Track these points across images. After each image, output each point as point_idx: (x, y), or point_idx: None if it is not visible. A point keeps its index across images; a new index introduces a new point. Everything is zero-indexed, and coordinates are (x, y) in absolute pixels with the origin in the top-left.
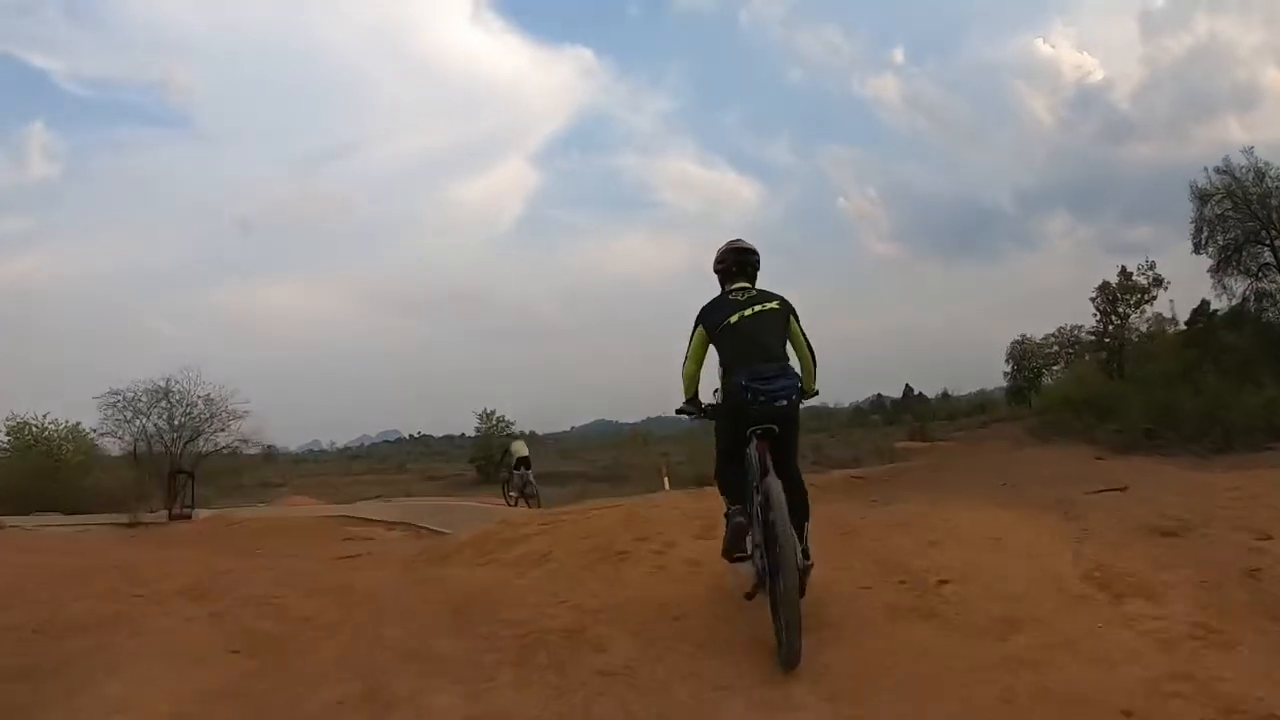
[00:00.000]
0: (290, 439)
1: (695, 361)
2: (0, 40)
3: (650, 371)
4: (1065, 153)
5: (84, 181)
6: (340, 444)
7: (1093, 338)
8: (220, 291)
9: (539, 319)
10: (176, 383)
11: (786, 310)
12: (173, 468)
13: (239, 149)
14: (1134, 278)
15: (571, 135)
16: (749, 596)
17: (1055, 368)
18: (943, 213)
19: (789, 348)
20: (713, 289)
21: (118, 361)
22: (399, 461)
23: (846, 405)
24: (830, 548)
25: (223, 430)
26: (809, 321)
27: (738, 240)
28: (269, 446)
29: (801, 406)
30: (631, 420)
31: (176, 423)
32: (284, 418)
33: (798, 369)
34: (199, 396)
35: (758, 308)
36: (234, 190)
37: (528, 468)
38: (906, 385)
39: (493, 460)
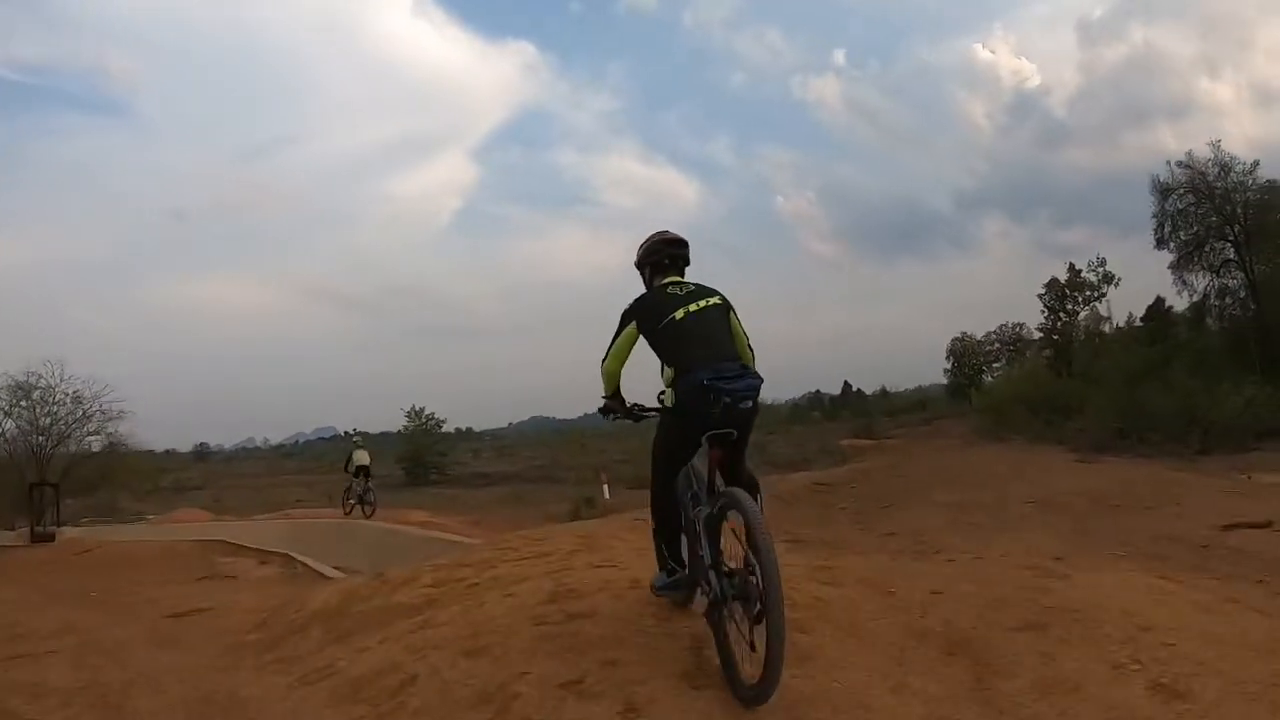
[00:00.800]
0: (225, 437)
1: (619, 360)
2: None
3: (588, 368)
4: (1002, 157)
5: (15, 169)
6: (275, 441)
7: (1041, 334)
8: (152, 285)
9: (477, 316)
10: (40, 378)
11: (728, 305)
12: (35, 479)
13: (176, 139)
14: (1083, 274)
15: (512, 131)
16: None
17: (996, 365)
18: (882, 214)
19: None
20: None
21: (38, 354)
22: (332, 460)
23: (784, 402)
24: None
25: (95, 434)
26: (747, 319)
27: (667, 231)
28: (201, 444)
29: None
30: (569, 417)
31: (41, 424)
32: (217, 414)
33: None
34: (65, 394)
35: (703, 303)
36: (170, 181)
37: (368, 476)
38: (845, 382)
39: (421, 461)
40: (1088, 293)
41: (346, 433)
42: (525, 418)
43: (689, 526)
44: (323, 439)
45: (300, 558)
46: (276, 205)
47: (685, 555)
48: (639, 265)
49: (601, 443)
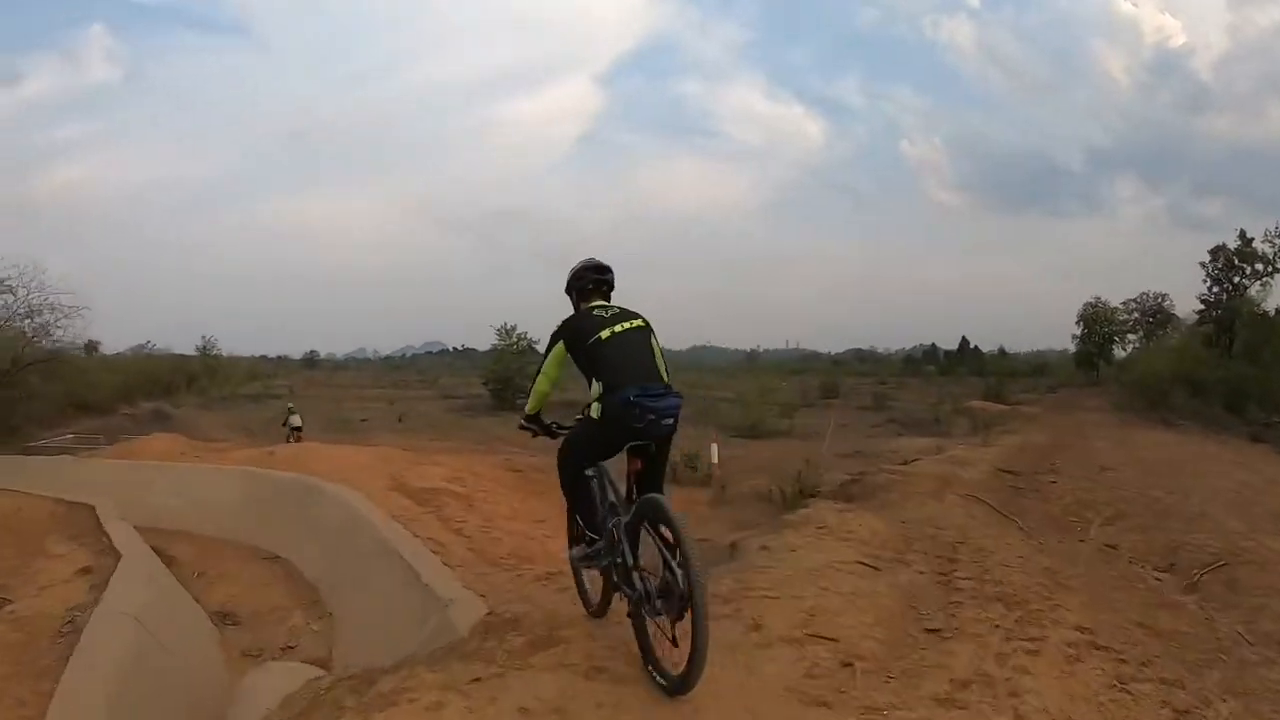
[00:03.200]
0: (337, 346)
1: (549, 379)
2: None
3: (699, 302)
4: (1139, 116)
5: (139, 89)
6: (384, 352)
7: (1204, 307)
8: (272, 201)
9: (590, 242)
10: None
11: (649, 328)
12: None
13: (295, 60)
14: (1255, 244)
15: (637, 58)
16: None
17: (1131, 337)
18: (1009, 166)
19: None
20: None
21: (164, 268)
22: (436, 374)
23: (895, 351)
24: None
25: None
26: (864, 264)
27: (593, 259)
28: (311, 352)
29: None
30: (678, 348)
31: None
32: (330, 324)
33: None
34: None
35: (626, 324)
36: (288, 102)
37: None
38: (963, 338)
39: (509, 384)
40: (1258, 265)
41: (454, 348)
42: None
43: (606, 534)
44: (430, 353)
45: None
46: (392, 126)
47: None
48: (567, 290)
49: (709, 379)
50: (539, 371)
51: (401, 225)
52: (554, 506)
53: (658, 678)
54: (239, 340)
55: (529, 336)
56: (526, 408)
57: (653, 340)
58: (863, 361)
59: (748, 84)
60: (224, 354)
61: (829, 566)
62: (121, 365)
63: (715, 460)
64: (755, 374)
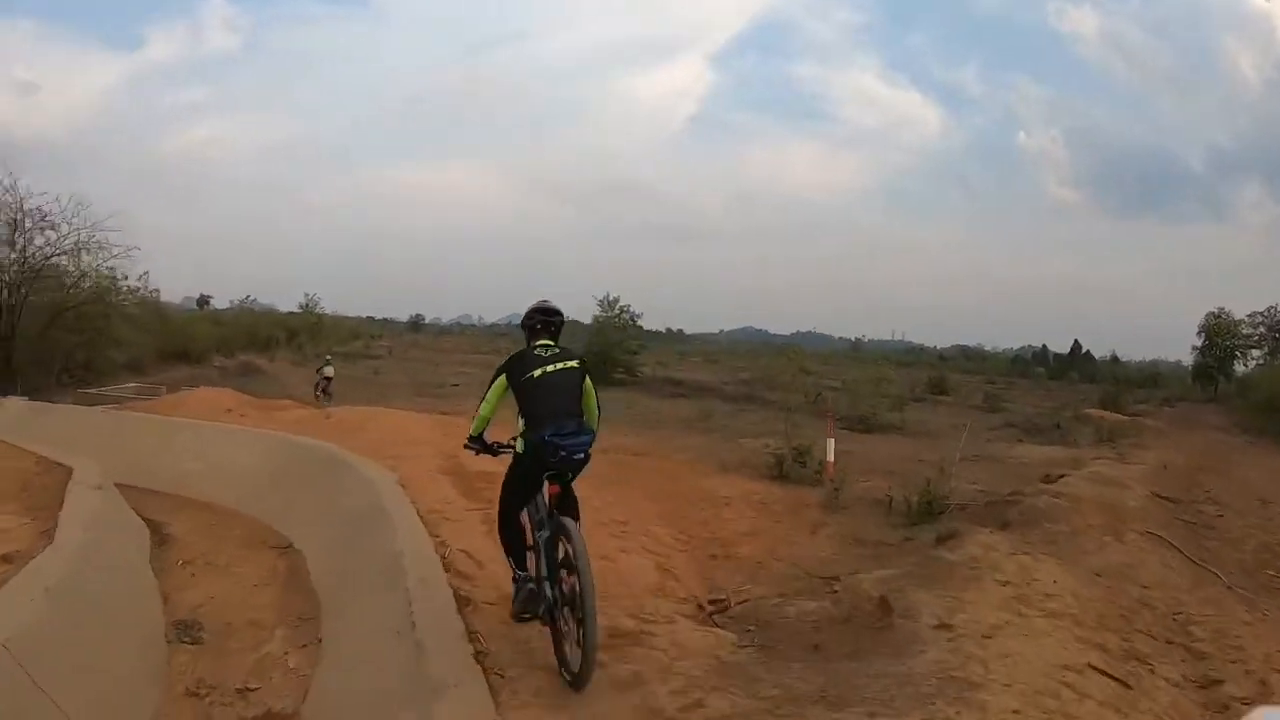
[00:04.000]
0: (443, 311)
1: (491, 406)
2: None
3: (807, 287)
4: (1268, 118)
5: (261, 55)
6: (489, 320)
7: None
8: (384, 167)
9: (701, 221)
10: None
11: (584, 369)
12: None
13: (410, 30)
14: None
15: (752, 38)
16: (524, 616)
17: (1255, 353)
18: (1128, 164)
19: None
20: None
21: (276, 227)
22: None
23: (1003, 350)
24: None
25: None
26: (974, 258)
27: (545, 301)
28: (416, 315)
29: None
30: (782, 332)
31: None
32: (437, 289)
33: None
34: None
35: (560, 365)
36: (405, 70)
37: (327, 379)
38: (1076, 341)
39: (607, 357)
40: None
41: None
42: (737, 326)
43: (535, 545)
44: None
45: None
46: (506, 98)
47: (529, 566)
48: (522, 326)
49: (816, 364)
50: (484, 399)
51: (513, 195)
52: (642, 501)
53: (564, 674)
54: (347, 301)
55: (632, 309)
56: (471, 430)
57: (584, 381)
58: (969, 359)
59: (863, 68)
60: (327, 313)
61: (1060, 683)
62: (224, 319)
63: (830, 458)
64: (860, 363)
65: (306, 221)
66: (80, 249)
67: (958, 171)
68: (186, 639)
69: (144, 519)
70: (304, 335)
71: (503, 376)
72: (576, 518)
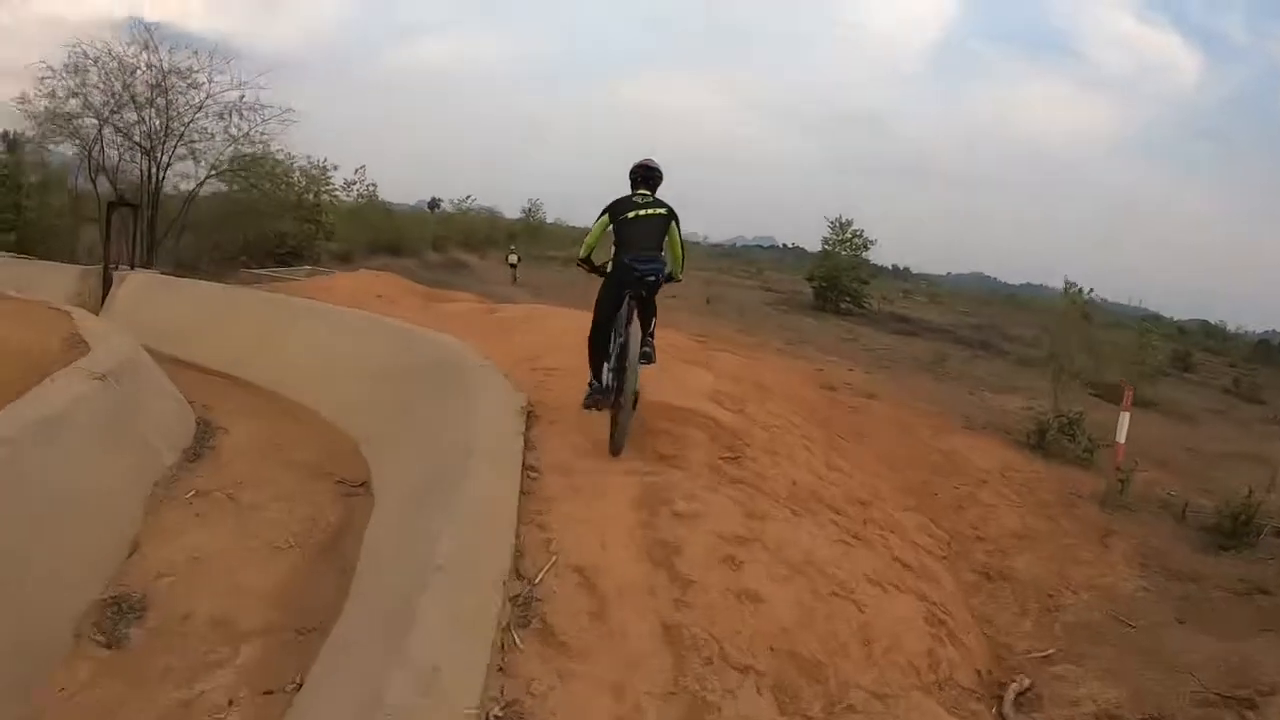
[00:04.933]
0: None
1: (595, 237)
2: None
3: (1042, 236)
4: None
5: None
6: (714, 240)
7: None
8: (622, 84)
9: (933, 159)
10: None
11: (670, 217)
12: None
13: None
14: None
15: None
16: (600, 406)
17: None
18: None
19: (666, 244)
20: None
21: (508, 136)
22: (760, 267)
23: (1248, 331)
24: None
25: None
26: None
27: (648, 159)
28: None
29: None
30: (1012, 281)
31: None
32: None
33: (667, 258)
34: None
35: (649, 211)
36: None
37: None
38: None
39: (834, 284)
40: None
41: (784, 245)
42: (965, 271)
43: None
44: (761, 246)
45: None
46: (746, 20)
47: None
48: (629, 175)
49: (1046, 320)
50: (591, 232)
51: (748, 118)
52: (879, 467)
53: (611, 445)
54: (576, 211)
55: (865, 235)
56: (580, 254)
57: (671, 226)
58: (1209, 336)
59: (1120, 3)
60: (549, 221)
61: None
62: (439, 218)
63: (1122, 439)
64: (1098, 325)
65: (540, 130)
66: (232, 110)
67: (1211, 127)
68: (101, 637)
69: (203, 420)
70: (522, 238)
71: (606, 215)
72: (650, 320)
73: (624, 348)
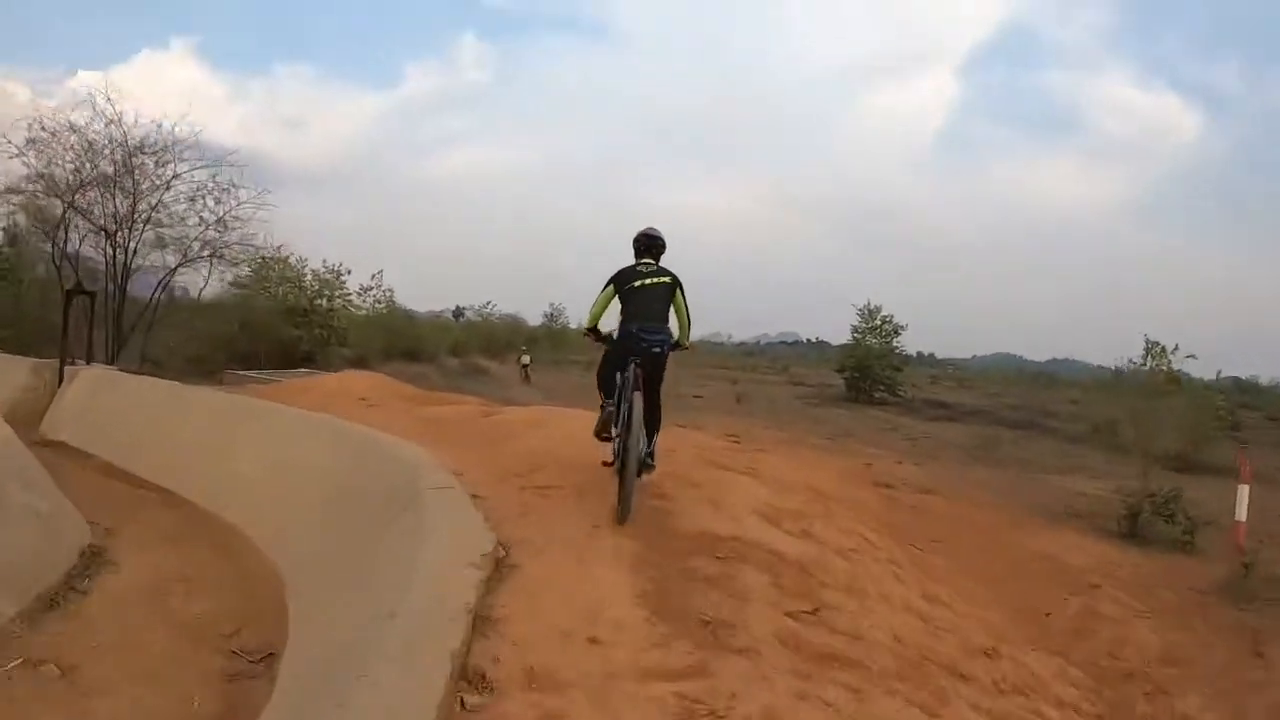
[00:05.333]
0: (693, 329)
1: (601, 307)
2: None
3: (1058, 312)
4: None
5: (511, 87)
6: (738, 339)
7: None
8: (636, 188)
9: (949, 240)
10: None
11: (675, 285)
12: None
13: (653, 58)
14: None
15: (996, 48)
16: (608, 465)
17: None
18: None
19: (672, 312)
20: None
21: (534, 245)
22: (786, 363)
23: (1267, 381)
24: None
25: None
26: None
27: (650, 227)
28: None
29: (671, 354)
30: (1037, 359)
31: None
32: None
33: (674, 327)
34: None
35: (654, 280)
36: (650, 96)
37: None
38: None
39: (867, 373)
40: None
41: (808, 340)
42: (990, 352)
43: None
44: (784, 343)
45: None
46: (750, 119)
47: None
48: (632, 244)
49: (1069, 391)
50: (595, 303)
51: (761, 216)
52: (969, 583)
53: (618, 508)
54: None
55: (894, 320)
56: (586, 324)
57: (676, 294)
58: (1243, 392)
59: (1115, 73)
60: (572, 326)
61: None
62: (463, 326)
63: (1242, 516)
64: (1128, 393)
65: (559, 242)
66: (202, 193)
67: (1219, 183)
68: None
69: (93, 550)
70: (544, 343)
71: (610, 285)
72: (656, 408)
73: (629, 415)
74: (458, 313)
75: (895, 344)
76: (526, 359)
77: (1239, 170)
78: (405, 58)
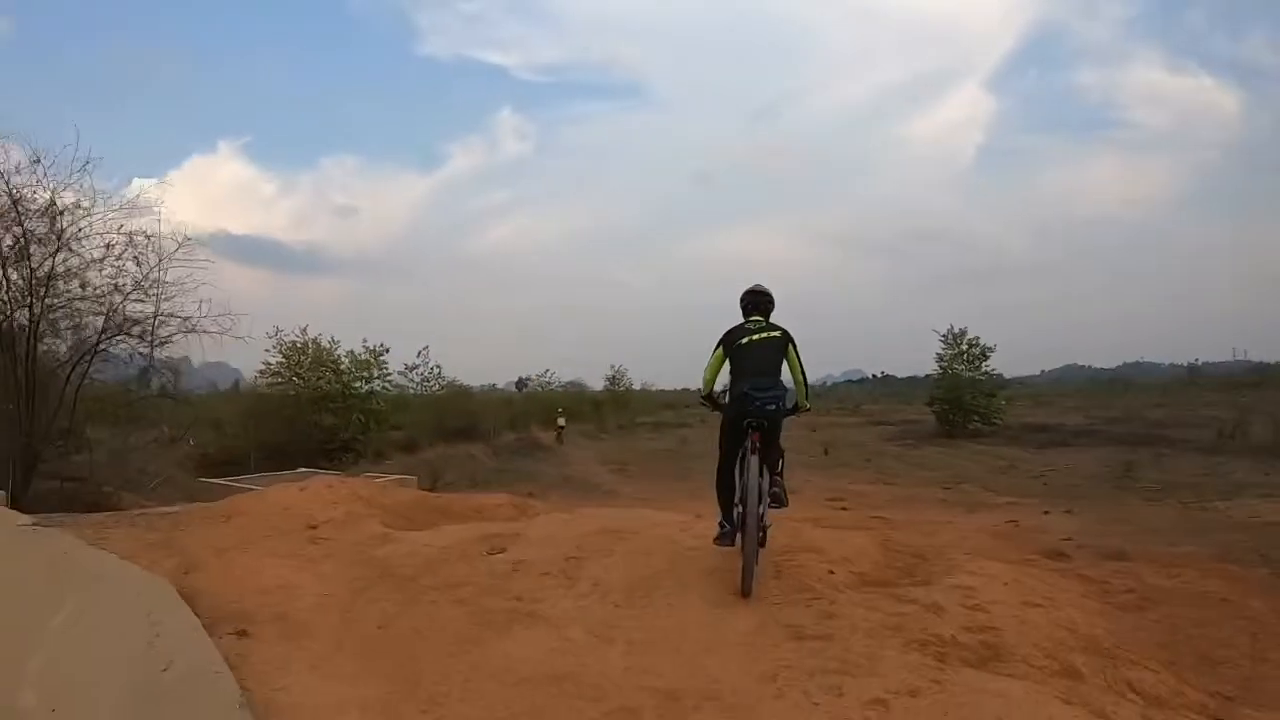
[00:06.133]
0: None
1: (714, 371)
2: (459, 46)
3: (1129, 312)
4: None
5: (552, 155)
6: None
7: None
8: (685, 242)
9: (1003, 256)
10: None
11: (786, 340)
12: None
13: (689, 111)
14: None
15: (1025, 54)
16: (721, 543)
17: None
18: None
19: (785, 368)
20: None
21: (594, 312)
22: (857, 402)
23: None
24: None
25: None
26: None
27: (757, 285)
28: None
29: (788, 416)
30: (1106, 365)
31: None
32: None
33: (789, 383)
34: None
35: (763, 335)
36: (689, 149)
37: (561, 428)
38: None
39: (959, 404)
40: None
41: (873, 375)
42: (1058, 365)
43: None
44: (850, 381)
45: None
46: (792, 159)
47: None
48: (740, 303)
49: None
50: (708, 365)
51: (812, 255)
52: None
53: (741, 583)
54: (661, 374)
55: (983, 343)
56: (702, 390)
57: (789, 349)
58: None
59: (1146, 61)
60: (635, 386)
61: None
62: (524, 397)
63: None
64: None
65: (615, 303)
66: (116, 251)
67: (1269, 158)
68: None
69: None
70: (608, 407)
71: (720, 346)
72: (777, 463)
73: (745, 483)
74: (521, 384)
75: (986, 368)
76: (561, 421)
77: None
78: (447, 138)
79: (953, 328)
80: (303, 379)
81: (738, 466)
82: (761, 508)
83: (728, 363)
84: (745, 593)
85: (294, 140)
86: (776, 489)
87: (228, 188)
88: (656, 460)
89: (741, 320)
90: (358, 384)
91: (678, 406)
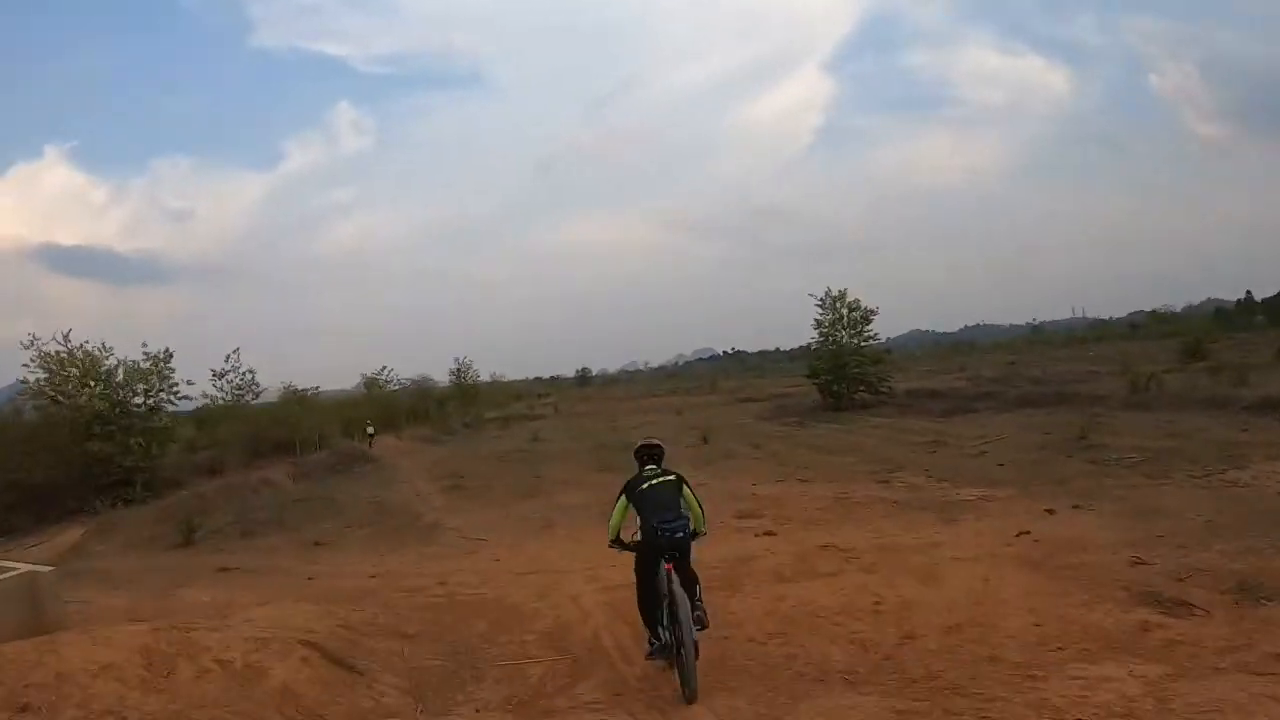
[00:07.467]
0: (608, 362)
1: (619, 517)
2: (294, 38)
3: (967, 279)
4: None
5: (394, 148)
6: (655, 364)
7: None
8: (530, 232)
9: (841, 232)
10: None
11: (681, 481)
12: None
13: (530, 99)
14: None
15: (861, 38)
16: (652, 658)
17: None
18: (1274, 85)
19: (683, 505)
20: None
21: (443, 306)
22: (713, 379)
23: (1196, 305)
24: None
25: None
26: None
27: (649, 439)
28: (583, 369)
29: (693, 540)
30: (949, 329)
31: None
32: (600, 342)
33: (688, 516)
34: None
35: (660, 480)
36: (531, 137)
37: (370, 436)
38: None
39: (841, 374)
40: None
41: (724, 352)
42: (902, 332)
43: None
44: (702, 360)
45: None
46: (633, 146)
47: (660, 632)
48: (634, 455)
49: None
50: (613, 514)
51: (658, 239)
52: None
53: (683, 692)
54: (515, 365)
55: (863, 305)
56: (609, 536)
57: (684, 488)
58: (1162, 321)
59: (977, 42)
60: (483, 379)
61: None
62: (361, 399)
63: None
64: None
65: (462, 296)
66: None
67: (1094, 132)
68: None
69: None
70: (456, 402)
71: (623, 495)
72: (694, 588)
73: (674, 607)
74: (369, 384)
75: (869, 332)
76: (371, 430)
77: (1109, 116)
78: (282, 134)
79: (829, 290)
80: (67, 398)
81: (660, 590)
82: (694, 627)
83: (631, 508)
84: (690, 699)
85: (123, 142)
86: (699, 612)
87: (55, 196)
88: (502, 468)
89: (638, 470)
90: (137, 400)
91: (527, 397)
